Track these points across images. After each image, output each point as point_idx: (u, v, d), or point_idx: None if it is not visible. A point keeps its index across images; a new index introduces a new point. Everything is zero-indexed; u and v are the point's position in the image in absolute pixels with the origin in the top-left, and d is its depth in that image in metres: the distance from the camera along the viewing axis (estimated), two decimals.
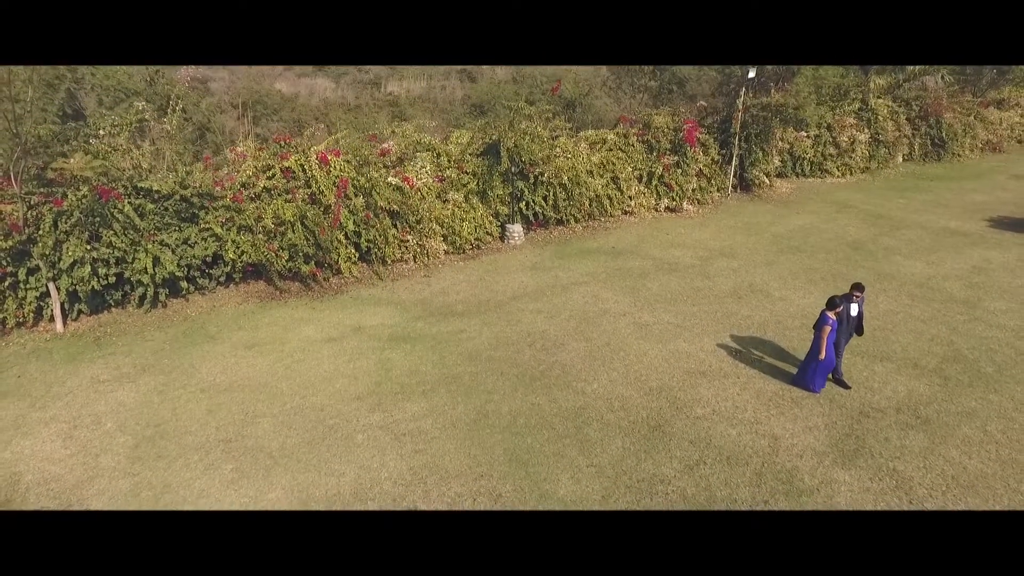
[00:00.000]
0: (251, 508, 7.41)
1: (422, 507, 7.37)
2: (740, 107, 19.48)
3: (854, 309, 9.54)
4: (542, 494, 7.54)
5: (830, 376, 9.72)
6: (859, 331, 9.90)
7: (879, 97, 23.99)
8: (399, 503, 7.45)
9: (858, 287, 9.54)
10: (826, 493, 7.47)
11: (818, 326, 9.21)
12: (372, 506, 7.40)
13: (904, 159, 24.85)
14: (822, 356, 9.11)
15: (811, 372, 9.38)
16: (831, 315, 9.12)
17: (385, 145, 15.96)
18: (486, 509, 7.25)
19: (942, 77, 26.30)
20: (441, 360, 10.68)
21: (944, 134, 24.89)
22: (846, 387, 9.59)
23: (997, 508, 7.19)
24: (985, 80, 28.50)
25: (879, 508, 7.21)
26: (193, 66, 22.02)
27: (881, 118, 23.39)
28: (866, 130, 23.11)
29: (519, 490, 7.60)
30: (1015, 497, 7.34)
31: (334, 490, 7.67)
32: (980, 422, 8.74)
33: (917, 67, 24.68)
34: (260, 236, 13.17)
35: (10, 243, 11.20)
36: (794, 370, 10.02)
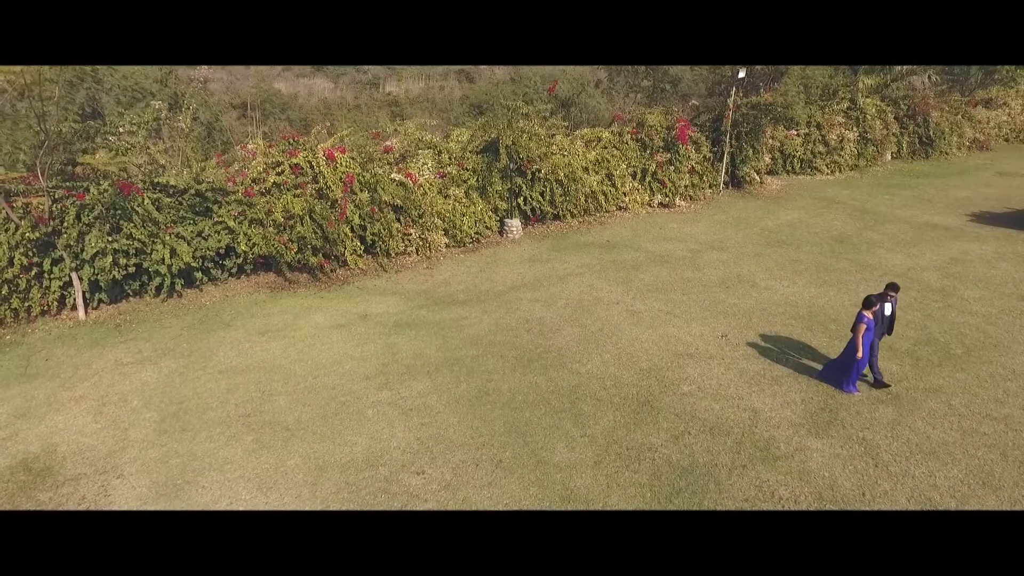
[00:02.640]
0: (272, 473, 8.07)
1: (428, 472, 8.03)
2: (731, 106, 20.16)
3: (888, 308, 9.64)
4: (539, 460, 8.20)
5: (867, 375, 9.74)
6: (889, 330, 9.91)
7: (867, 96, 24.67)
8: (408, 468, 8.11)
9: (893, 287, 9.64)
10: (799, 459, 8.14)
11: (855, 326, 9.23)
12: (383, 472, 8.06)
13: (892, 157, 25.55)
14: (860, 355, 9.15)
15: (854, 374, 9.38)
16: (867, 314, 9.13)
17: (388, 143, 16.63)
18: (487, 509, 7.68)
19: (929, 77, 27.00)
20: (444, 344, 11.34)
21: (931, 132, 25.60)
22: (885, 386, 9.59)
23: (955, 472, 7.87)
24: (972, 80, 29.24)
25: (847, 471, 7.89)
26: (201, 67, 22.64)
27: (869, 117, 24.09)
28: (855, 129, 23.80)
29: (518, 457, 8.27)
30: (971, 462, 8.01)
31: (347, 457, 8.34)
32: (946, 397, 9.42)
33: (905, 67, 25.39)
34: (271, 229, 13.82)
35: (36, 235, 11.85)
36: (778, 352, 10.70)
